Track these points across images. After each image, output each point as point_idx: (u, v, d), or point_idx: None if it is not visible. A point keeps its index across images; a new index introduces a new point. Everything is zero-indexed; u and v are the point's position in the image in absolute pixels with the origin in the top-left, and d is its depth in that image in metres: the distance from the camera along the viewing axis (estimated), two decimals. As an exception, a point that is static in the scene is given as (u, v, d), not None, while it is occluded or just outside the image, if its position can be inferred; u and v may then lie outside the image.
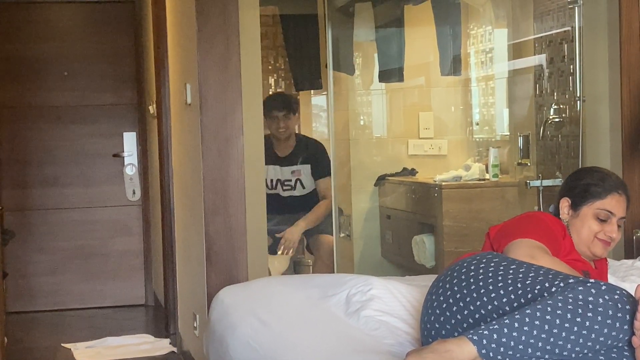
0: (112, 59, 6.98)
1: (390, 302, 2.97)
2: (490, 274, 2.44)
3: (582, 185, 3.01)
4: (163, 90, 5.41)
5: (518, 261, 2.50)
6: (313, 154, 5.75)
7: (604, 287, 2.25)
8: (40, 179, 6.91)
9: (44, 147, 6.91)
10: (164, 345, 5.52)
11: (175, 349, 5.38)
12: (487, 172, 6.03)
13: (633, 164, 4.24)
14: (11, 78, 6.86)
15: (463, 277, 2.50)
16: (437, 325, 2.51)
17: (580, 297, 2.22)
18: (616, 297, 2.24)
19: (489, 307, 2.38)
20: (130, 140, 7.03)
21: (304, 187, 5.74)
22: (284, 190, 5.70)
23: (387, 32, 6.58)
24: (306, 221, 5.61)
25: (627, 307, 2.22)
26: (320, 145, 5.85)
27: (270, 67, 7.05)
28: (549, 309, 2.20)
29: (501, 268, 2.44)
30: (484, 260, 2.52)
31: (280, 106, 5.61)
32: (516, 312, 2.23)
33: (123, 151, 7.01)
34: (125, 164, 7.00)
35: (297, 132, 6.00)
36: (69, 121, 6.95)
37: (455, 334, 2.42)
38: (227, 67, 4.08)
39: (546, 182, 5.25)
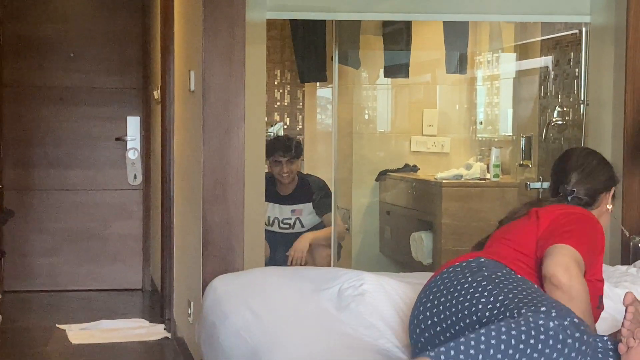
0: (119, 42, 6.98)
1: (382, 298, 2.97)
2: (472, 288, 2.49)
3: (610, 171, 3.05)
4: (167, 76, 5.41)
5: (502, 275, 2.52)
6: (315, 192, 5.71)
7: (554, 313, 2.28)
8: (42, 160, 6.92)
9: (47, 128, 6.92)
10: (158, 331, 5.53)
11: (169, 335, 5.39)
12: (488, 172, 6.04)
13: (634, 170, 4.24)
14: (17, 58, 6.86)
15: (449, 286, 2.56)
16: (423, 327, 2.57)
17: (539, 322, 2.26)
18: (566, 323, 2.27)
19: (467, 320, 2.44)
20: (133, 125, 7.03)
21: (303, 226, 5.67)
22: (280, 228, 5.66)
23: (394, 27, 6.58)
24: (315, 234, 5.57)
25: (577, 334, 2.26)
26: (322, 182, 5.80)
27: (276, 58, 7.04)
28: (503, 329, 2.24)
29: (483, 283, 2.48)
30: (469, 272, 2.55)
31: (284, 151, 5.57)
32: (472, 332, 2.27)
33: (126, 135, 7.01)
34: (128, 148, 7.01)
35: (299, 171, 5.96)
36: (73, 103, 6.95)
37: (436, 341, 2.50)
38: (232, 57, 4.08)
39: (546, 185, 5.24)
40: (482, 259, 2.64)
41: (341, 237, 5.81)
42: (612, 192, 3.05)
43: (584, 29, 4.77)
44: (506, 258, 2.71)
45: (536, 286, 2.53)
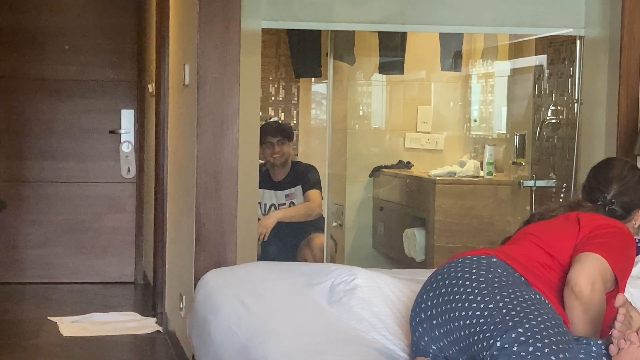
0: (114, 35, 6.97)
1: (373, 293, 2.98)
2: (471, 287, 2.50)
3: None
4: (162, 69, 5.41)
5: (505, 281, 2.52)
6: (304, 174, 5.73)
7: (530, 341, 2.32)
8: (35, 151, 6.91)
9: (41, 120, 6.90)
10: (149, 324, 5.53)
11: (160, 329, 5.39)
12: (482, 170, 6.04)
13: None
14: (11, 48, 6.84)
15: (453, 277, 2.56)
16: (423, 316, 2.57)
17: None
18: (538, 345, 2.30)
19: (456, 323, 2.46)
20: (128, 118, 7.02)
21: None
22: None
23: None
24: (282, 212, 5.60)
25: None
26: (313, 167, 5.83)
27: (271, 53, 7.04)
28: None
29: (482, 286, 2.49)
30: (476, 269, 2.55)
31: (274, 132, 5.63)
32: None
33: (120, 128, 7.00)
34: (122, 141, 7.00)
35: (293, 159, 5.96)
36: (67, 95, 6.94)
37: (432, 334, 2.52)
38: (227, 51, 4.08)
39: (540, 183, 5.27)
40: (494, 259, 2.62)
41: (315, 215, 5.75)
42: None
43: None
44: (524, 261, 2.68)
45: (534, 296, 2.51)
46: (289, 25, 5.26)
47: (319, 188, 5.71)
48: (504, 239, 2.95)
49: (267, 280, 3.29)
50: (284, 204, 5.68)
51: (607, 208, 2.97)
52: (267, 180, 5.59)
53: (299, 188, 5.70)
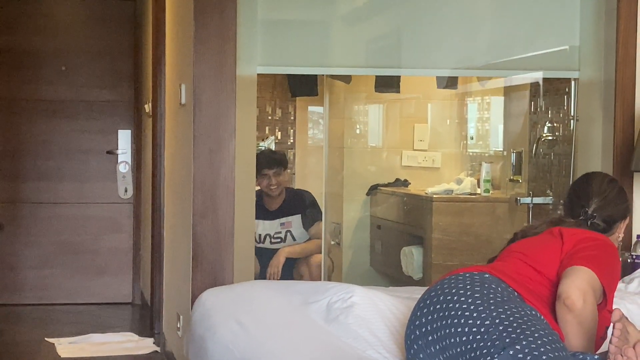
0: (111, 56, 6.99)
1: (370, 310, 2.97)
2: (466, 304, 2.50)
3: (627, 200, 3.11)
4: (159, 89, 5.42)
5: (500, 297, 2.52)
6: (303, 204, 5.72)
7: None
8: (32, 173, 6.91)
9: (38, 141, 6.91)
10: (147, 345, 5.51)
11: (158, 349, 5.38)
12: (479, 187, 6.04)
13: (624, 184, 4.23)
14: (8, 70, 6.86)
15: (447, 293, 2.56)
16: (418, 333, 2.57)
17: None
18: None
19: (452, 339, 2.46)
20: (125, 138, 7.03)
21: (294, 239, 5.67)
22: (272, 244, 5.66)
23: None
24: (291, 248, 5.58)
25: None
26: (309, 194, 5.83)
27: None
28: None
29: (477, 302, 2.49)
30: (470, 285, 2.55)
31: (270, 164, 5.60)
32: None
33: (117, 148, 7.01)
34: (119, 161, 7.01)
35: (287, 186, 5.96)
36: (64, 116, 6.94)
37: (427, 350, 2.52)
38: (223, 70, 4.08)
39: (537, 200, 5.26)
40: (487, 275, 2.63)
41: (327, 251, 5.80)
42: (627, 221, 3.08)
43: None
44: (516, 276, 2.69)
45: (529, 312, 2.51)
46: (285, 71, 5.28)
47: (320, 217, 5.70)
48: (490, 258, 2.96)
49: (263, 299, 3.28)
50: (280, 232, 5.66)
51: (589, 222, 3.00)
52: (261, 210, 5.53)
53: (296, 217, 5.67)
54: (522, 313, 2.46)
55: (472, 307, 2.48)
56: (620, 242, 3.13)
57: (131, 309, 6.84)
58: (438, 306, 2.55)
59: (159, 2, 5.46)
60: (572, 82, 4.88)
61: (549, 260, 2.75)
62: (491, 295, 2.52)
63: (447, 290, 2.57)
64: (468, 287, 2.55)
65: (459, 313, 2.48)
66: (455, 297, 2.53)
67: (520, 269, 2.73)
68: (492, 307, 2.46)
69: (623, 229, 3.11)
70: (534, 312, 2.52)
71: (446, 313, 2.51)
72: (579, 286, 2.58)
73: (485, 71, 4.95)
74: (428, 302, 2.59)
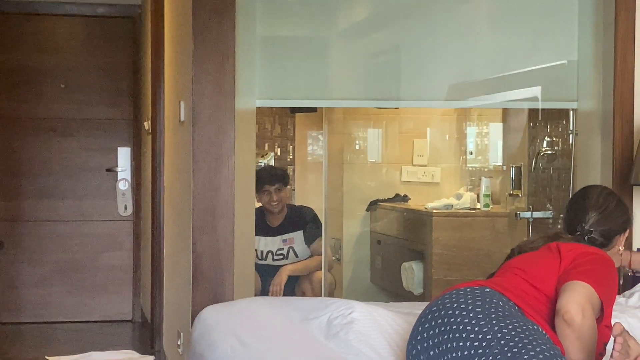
0: (110, 73, 7.00)
1: (371, 326, 2.97)
2: (467, 318, 2.50)
3: (627, 213, 3.10)
4: (158, 106, 5.42)
5: (501, 311, 2.52)
6: (304, 220, 5.72)
7: None
8: (32, 190, 6.91)
9: (38, 159, 6.91)
10: (147, 362, 5.50)
11: (159, 366, 5.37)
12: (479, 202, 6.04)
13: (623, 199, 4.24)
14: (8, 88, 6.87)
15: (449, 308, 2.56)
16: (419, 348, 2.58)
17: None
18: None
19: (454, 354, 2.46)
20: (124, 155, 7.03)
21: (297, 256, 5.66)
22: (274, 260, 5.66)
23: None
24: (293, 266, 5.58)
25: None
26: (311, 210, 5.83)
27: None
28: None
29: (479, 316, 2.49)
30: (472, 299, 2.56)
31: (271, 180, 5.60)
32: None
33: (117, 166, 7.01)
34: (119, 178, 7.01)
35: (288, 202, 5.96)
36: (64, 134, 6.95)
37: None
38: (222, 87, 4.09)
39: (536, 214, 5.26)
40: (487, 289, 2.63)
41: (329, 267, 5.80)
42: (626, 234, 3.07)
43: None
44: (515, 290, 2.69)
45: (531, 327, 2.51)
46: (283, 104, 5.29)
47: (321, 233, 5.69)
48: (488, 275, 2.95)
49: (263, 315, 3.27)
50: (282, 249, 5.66)
51: (586, 237, 2.99)
52: (262, 226, 5.54)
53: (299, 234, 5.67)
54: (524, 328, 2.46)
55: (473, 322, 2.47)
56: (621, 255, 3.12)
57: (131, 327, 6.82)
58: (440, 321, 2.54)
59: (158, 20, 5.48)
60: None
61: (546, 277, 2.75)
62: (492, 310, 2.52)
63: (449, 305, 2.57)
64: (469, 301, 2.55)
65: (461, 327, 2.48)
66: (457, 312, 2.53)
67: (519, 285, 2.73)
68: (494, 322, 2.46)
69: (623, 241, 3.10)
70: (535, 327, 2.52)
71: (448, 328, 2.51)
72: (577, 301, 2.58)
73: (485, 102, 4.96)
74: (429, 317, 2.59)
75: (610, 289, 2.77)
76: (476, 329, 2.45)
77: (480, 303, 2.54)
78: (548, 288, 2.72)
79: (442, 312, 2.56)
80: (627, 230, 3.11)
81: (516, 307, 2.61)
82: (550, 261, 2.81)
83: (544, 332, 2.54)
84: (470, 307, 2.53)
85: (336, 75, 4.53)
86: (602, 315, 2.71)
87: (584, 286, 2.64)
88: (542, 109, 5.32)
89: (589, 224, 3.00)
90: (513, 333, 2.42)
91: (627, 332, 2.57)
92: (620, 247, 3.08)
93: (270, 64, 4.33)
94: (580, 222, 3.01)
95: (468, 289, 2.63)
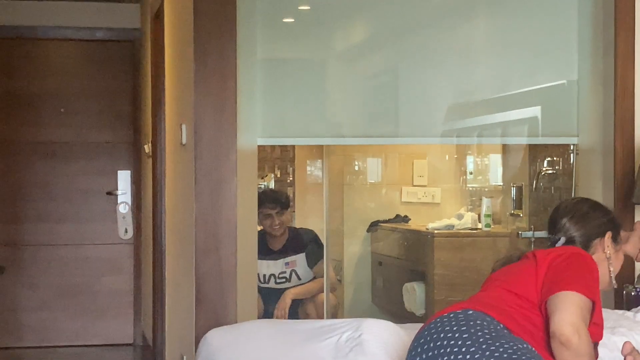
0: (110, 97, 7.01)
1: (380, 347, 2.96)
2: (457, 346, 2.52)
3: (605, 216, 3.08)
4: (159, 129, 5.43)
5: (487, 332, 2.53)
6: (306, 242, 5.72)
7: None
8: (32, 215, 6.90)
9: (38, 183, 6.91)
10: (150, 386, 5.49)
11: (161, 390, 5.35)
12: (480, 222, 6.04)
13: (625, 217, 4.25)
14: (7, 113, 6.88)
15: (436, 338, 2.59)
16: None
17: None
18: None
19: None
20: (124, 179, 7.03)
21: (299, 278, 5.65)
22: (277, 284, 5.65)
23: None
24: (297, 290, 5.57)
25: None
26: (312, 233, 5.83)
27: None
28: None
29: (468, 342, 2.52)
30: (456, 325, 2.57)
31: (272, 203, 5.61)
32: None
33: (117, 189, 7.01)
34: (119, 202, 7.00)
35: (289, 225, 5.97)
36: (63, 157, 6.96)
37: None
38: (223, 110, 4.09)
39: (538, 234, 5.25)
40: (470, 311, 2.65)
41: (332, 288, 5.79)
42: (607, 237, 3.05)
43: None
44: (500, 305, 2.71)
45: (520, 345, 2.52)
46: (284, 142, 5.31)
47: (322, 255, 5.69)
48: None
49: (269, 338, 3.26)
50: (284, 272, 5.65)
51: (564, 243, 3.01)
52: (264, 250, 5.52)
53: (301, 257, 5.66)
54: (515, 348, 2.48)
55: (463, 349, 2.50)
56: (610, 262, 3.07)
57: (133, 351, 6.80)
58: (430, 353, 2.57)
59: (157, 42, 5.49)
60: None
61: (526, 283, 2.78)
62: (479, 333, 2.54)
63: (435, 336, 2.59)
64: (454, 328, 2.58)
65: (452, 357, 2.50)
66: (445, 341, 2.55)
67: (503, 296, 2.76)
68: (484, 346, 2.48)
69: (608, 245, 3.06)
70: (525, 345, 2.54)
71: (438, 352, 2.53)
72: (570, 322, 2.60)
73: (485, 138, 4.97)
74: (419, 349, 2.62)
75: (593, 284, 2.78)
76: (467, 356, 2.47)
77: (465, 328, 2.56)
78: (530, 294, 2.75)
79: (431, 344, 2.58)
80: (608, 233, 3.07)
81: (501, 325, 2.62)
82: (527, 268, 2.84)
83: (533, 349, 2.56)
84: (457, 335, 2.55)
85: (336, 111, 4.53)
86: (592, 312, 2.73)
87: (572, 297, 2.65)
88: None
89: (561, 232, 3.02)
90: (505, 355, 2.44)
91: (637, 351, 2.57)
92: (607, 252, 3.05)
93: (272, 91, 4.33)
94: (556, 232, 3.04)
95: (452, 315, 2.65)
